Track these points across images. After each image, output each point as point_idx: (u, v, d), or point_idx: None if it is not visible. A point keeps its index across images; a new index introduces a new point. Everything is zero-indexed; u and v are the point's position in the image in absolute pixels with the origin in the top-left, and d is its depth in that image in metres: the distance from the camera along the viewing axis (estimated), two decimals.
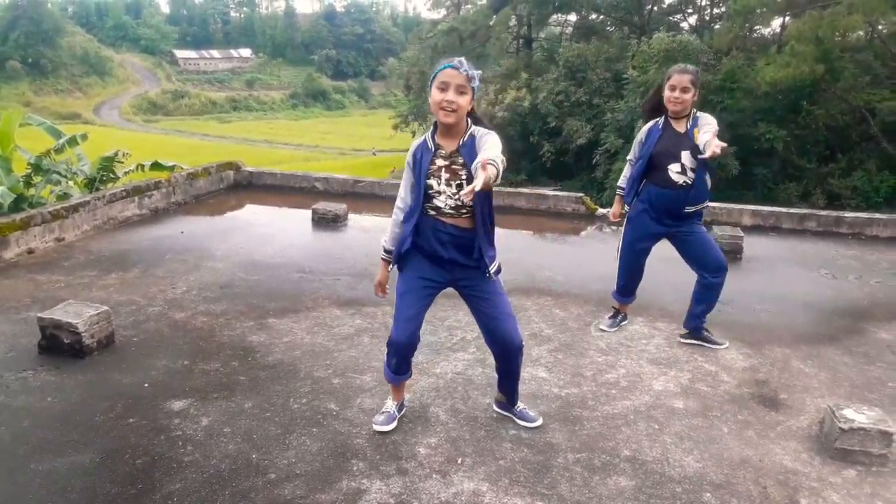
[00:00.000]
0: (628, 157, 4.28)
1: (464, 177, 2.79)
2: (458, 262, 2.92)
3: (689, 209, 4.00)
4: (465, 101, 2.71)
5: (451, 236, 2.87)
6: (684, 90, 3.83)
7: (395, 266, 3.06)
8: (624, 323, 4.52)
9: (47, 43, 79.42)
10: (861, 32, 23.85)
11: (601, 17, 35.90)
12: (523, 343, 3.09)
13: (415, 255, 2.96)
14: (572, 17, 38.13)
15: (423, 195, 2.84)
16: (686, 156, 3.90)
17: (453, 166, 2.81)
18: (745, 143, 21.50)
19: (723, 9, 30.85)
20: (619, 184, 4.36)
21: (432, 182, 2.82)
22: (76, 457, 2.95)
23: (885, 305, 5.11)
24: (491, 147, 2.62)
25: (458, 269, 2.96)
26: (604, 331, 4.43)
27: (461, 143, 2.80)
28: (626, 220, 4.25)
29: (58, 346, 3.87)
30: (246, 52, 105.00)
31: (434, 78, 2.73)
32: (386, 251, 3.09)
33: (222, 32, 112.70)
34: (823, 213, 7.53)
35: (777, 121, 21.88)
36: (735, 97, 22.19)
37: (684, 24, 33.95)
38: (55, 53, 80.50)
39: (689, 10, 34.89)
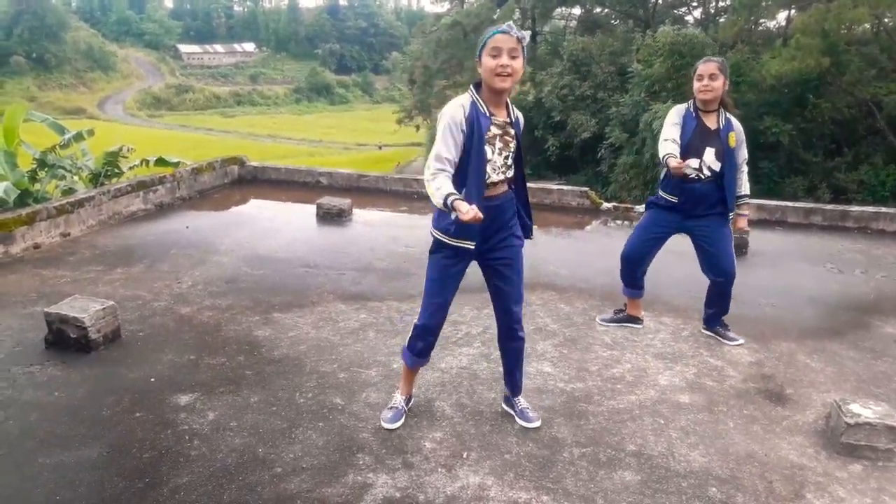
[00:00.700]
0: (664, 138, 3.97)
1: (512, 148, 2.82)
2: (498, 231, 2.93)
3: (719, 206, 4.00)
4: (519, 65, 2.69)
5: (496, 207, 2.86)
6: (712, 77, 3.82)
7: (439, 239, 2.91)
8: (624, 324, 4.45)
9: (51, 38, 79.48)
10: (867, 25, 23.71)
11: (606, 10, 35.77)
12: (521, 318, 3.14)
13: (448, 237, 2.88)
14: (577, 11, 37.99)
15: (484, 162, 2.75)
16: (709, 153, 3.89)
17: (506, 136, 2.81)
18: (750, 138, 21.35)
19: (728, 2, 30.68)
20: (668, 152, 3.85)
21: (487, 149, 2.78)
22: (83, 451, 2.96)
23: (892, 300, 5.09)
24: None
25: (493, 238, 2.93)
26: (600, 323, 4.43)
27: (512, 114, 2.84)
28: (647, 204, 4.24)
29: (64, 340, 3.88)
30: (249, 46, 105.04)
31: (484, 45, 2.70)
32: (452, 194, 2.58)
33: (226, 27, 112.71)
34: (829, 207, 7.51)
35: (783, 114, 21.80)
36: (740, 91, 22.10)
37: (689, 18, 33.80)
38: (59, 48, 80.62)
39: (694, 4, 34.71)
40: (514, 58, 2.67)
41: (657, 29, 24.74)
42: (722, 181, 3.94)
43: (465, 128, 2.73)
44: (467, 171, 2.75)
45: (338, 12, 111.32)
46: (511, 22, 2.70)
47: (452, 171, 2.73)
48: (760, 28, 27.79)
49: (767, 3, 24.39)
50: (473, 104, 2.77)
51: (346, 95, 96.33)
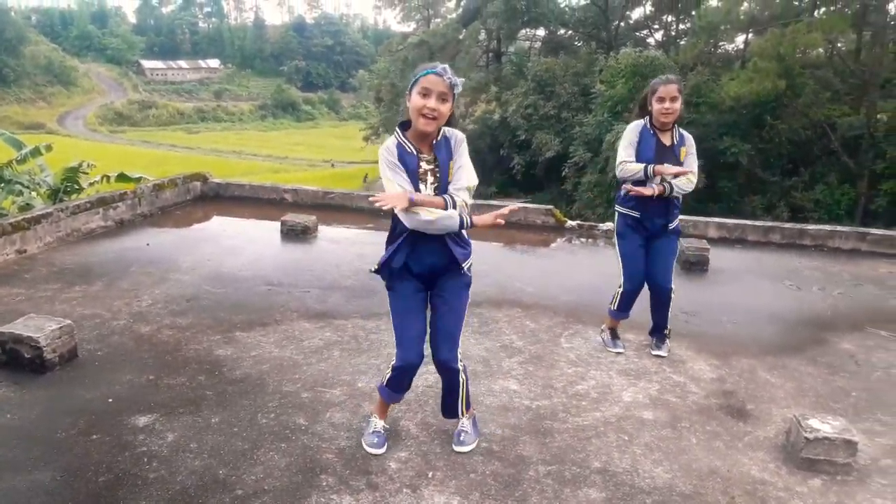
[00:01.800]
0: (625, 158, 4.05)
1: (439, 176, 2.78)
2: (439, 267, 2.89)
3: (671, 224, 4.12)
4: (446, 109, 2.68)
5: (433, 240, 2.81)
6: (673, 99, 3.90)
7: (386, 281, 2.96)
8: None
9: (10, 52, 77.85)
10: (821, 50, 24.51)
11: (569, 32, 36.40)
12: (457, 366, 3.06)
13: (400, 269, 2.89)
14: (541, 32, 38.61)
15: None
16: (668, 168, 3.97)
17: (434, 169, 2.78)
18: (710, 157, 21.87)
19: (688, 25, 31.46)
20: (643, 165, 3.98)
21: (420, 187, 2.77)
22: (37, 475, 2.87)
23: (847, 316, 5.21)
24: (461, 177, 2.73)
25: (438, 275, 2.92)
26: (620, 353, 4.33)
27: (434, 143, 2.79)
28: (616, 236, 4.28)
29: (18, 360, 3.76)
30: (214, 62, 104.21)
31: (415, 82, 2.67)
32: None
33: (190, 43, 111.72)
34: (787, 225, 7.67)
35: (741, 135, 22.34)
36: (700, 111, 22.61)
37: (651, 40, 34.56)
38: (18, 62, 78.98)
39: (656, 26, 35.53)
40: (443, 101, 2.66)
41: (619, 51, 25.22)
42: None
43: (398, 164, 2.77)
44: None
45: (304, 30, 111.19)
46: (447, 66, 2.67)
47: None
48: (720, 51, 28.55)
49: (726, 27, 25.07)
50: (399, 145, 2.78)
51: (312, 112, 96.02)
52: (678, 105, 3.92)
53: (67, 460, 2.98)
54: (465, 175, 2.80)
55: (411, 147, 2.78)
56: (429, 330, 3.02)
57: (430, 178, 2.77)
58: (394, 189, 2.71)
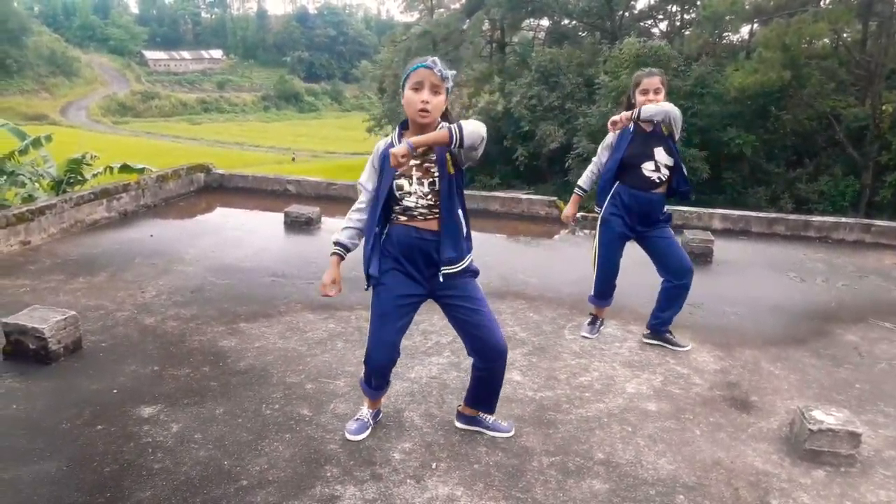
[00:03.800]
0: (594, 159, 4.29)
1: (436, 174, 2.73)
2: (436, 268, 2.84)
3: (662, 214, 4.09)
4: (440, 102, 2.66)
5: (427, 241, 2.80)
6: (657, 91, 3.89)
7: (370, 281, 2.93)
8: (602, 327, 4.53)
9: (12, 42, 77.61)
10: (826, 40, 24.39)
11: (573, 22, 36.24)
12: (507, 346, 3.05)
13: (390, 269, 2.86)
14: (545, 22, 38.48)
15: (388, 198, 2.77)
16: (660, 152, 3.96)
17: (425, 164, 2.74)
18: (714, 148, 21.83)
19: (693, 15, 31.32)
20: (579, 183, 4.33)
21: (403, 182, 2.74)
22: (42, 465, 2.88)
23: (852, 308, 5.20)
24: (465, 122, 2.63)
25: (437, 278, 2.85)
26: (586, 337, 4.41)
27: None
28: (599, 222, 4.25)
29: (23, 351, 3.78)
30: (217, 53, 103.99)
31: (407, 77, 2.66)
32: (338, 244, 2.96)
33: (193, 33, 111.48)
34: (792, 217, 7.64)
35: (746, 126, 22.27)
36: (705, 102, 22.53)
37: (655, 30, 34.43)
38: (20, 53, 78.76)
39: (660, 16, 35.38)
40: (436, 94, 2.64)
41: (623, 41, 25.10)
42: (667, 188, 4.06)
43: (378, 165, 2.83)
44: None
45: (307, 20, 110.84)
46: (437, 58, 2.65)
47: (369, 198, 2.89)
48: (724, 41, 28.42)
49: (731, 17, 24.93)
50: (390, 144, 2.77)
51: (315, 103, 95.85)
52: (661, 97, 3.89)
53: (72, 450, 3.00)
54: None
55: (398, 142, 2.74)
56: (466, 334, 2.99)
57: (415, 173, 2.74)
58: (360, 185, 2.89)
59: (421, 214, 2.78)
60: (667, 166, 3.98)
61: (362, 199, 2.93)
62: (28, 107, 70.76)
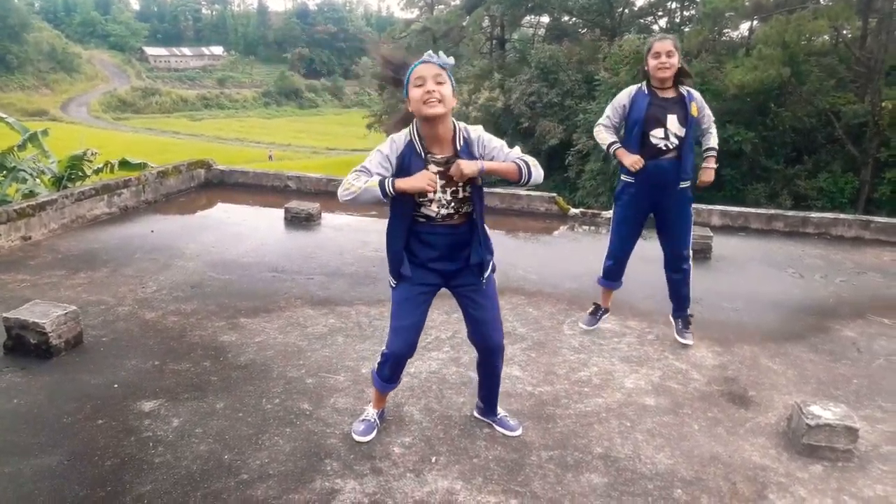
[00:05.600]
0: (601, 122, 4.10)
1: (461, 183, 2.71)
2: (454, 265, 2.85)
3: (681, 183, 3.99)
4: (447, 91, 2.60)
5: (446, 237, 2.80)
6: (669, 54, 3.80)
7: (398, 280, 2.92)
8: (605, 317, 4.51)
9: (13, 38, 77.56)
10: (826, 37, 24.38)
11: (573, 19, 36.23)
12: (503, 344, 3.07)
13: (410, 263, 2.86)
14: (545, 19, 38.46)
15: (411, 205, 2.73)
16: (672, 120, 3.88)
17: (450, 173, 2.68)
18: None
19: (693, 12, 31.30)
20: (610, 141, 4.07)
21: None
22: (43, 459, 2.90)
23: (850, 304, 5.21)
24: (506, 150, 2.72)
25: (453, 273, 2.88)
26: (584, 328, 4.44)
27: (458, 146, 2.69)
28: (614, 198, 4.25)
29: (24, 346, 3.79)
30: (217, 49, 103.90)
31: (408, 81, 2.63)
32: (380, 180, 2.62)
33: (193, 30, 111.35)
34: (790, 213, 7.65)
35: (745, 123, 22.25)
36: (704, 99, 22.49)
37: (655, 27, 34.39)
38: (21, 49, 78.71)
39: (660, 13, 35.36)
40: (440, 83, 2.59)
41: (623, 38, 25.07)
42: (682, 153, 3.94)
43: (392, 161, 2.69)
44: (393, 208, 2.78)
45: (307, 17, 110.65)
46: (431, 51, 2.63)
47: (368, 176, 2.64)
48: (724, 38, 28.37)
49: (731, 14, 24.91)
50: (409, 143, 2.70)
51: (315, 100, 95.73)
52: (675, 60, 3.81)
53: (73, 445, 3.01)
54: (505, 147, 2.77)
55: (420, 148, 2.70)
56: (470, 324, 3.01)
57: (438, 181, 2.67)
58: (359, 175, 2.63)
59: (439, 222, 2.77)
60: (677, 136, 3.89)
61: (360, 169, 2.67)
62: (28, 103, 70.74)
